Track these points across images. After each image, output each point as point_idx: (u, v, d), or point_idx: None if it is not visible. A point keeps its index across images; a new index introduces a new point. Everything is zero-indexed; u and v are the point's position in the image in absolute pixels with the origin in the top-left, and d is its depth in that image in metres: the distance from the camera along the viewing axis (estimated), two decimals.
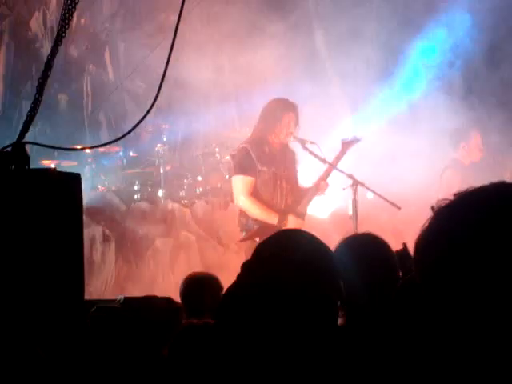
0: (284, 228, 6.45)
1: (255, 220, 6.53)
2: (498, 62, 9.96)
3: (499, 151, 8.81)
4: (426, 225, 1.47)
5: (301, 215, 6.62)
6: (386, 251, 3.19)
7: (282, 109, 6.62)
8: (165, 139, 10.20)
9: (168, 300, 4.96)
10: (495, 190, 1.45)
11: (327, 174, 6.68)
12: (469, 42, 9.96)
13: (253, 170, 6.52)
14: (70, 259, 2.97)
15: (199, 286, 4.79)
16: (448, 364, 1.43)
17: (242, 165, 6.55)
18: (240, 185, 6.55)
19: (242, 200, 6.54)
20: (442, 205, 1.47)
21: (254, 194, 6.52)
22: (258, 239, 6.49)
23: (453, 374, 1.42)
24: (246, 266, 2.39)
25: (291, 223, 6.52)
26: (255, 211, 6.51)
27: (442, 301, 1.41)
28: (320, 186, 6.67)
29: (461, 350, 1.40)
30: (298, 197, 6.71)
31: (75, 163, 9.29)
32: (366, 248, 3.16)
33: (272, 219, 6.49)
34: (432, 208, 1.48)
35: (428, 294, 1.44)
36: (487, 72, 10.08)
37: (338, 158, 6.68)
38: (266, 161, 6.55)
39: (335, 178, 6.85)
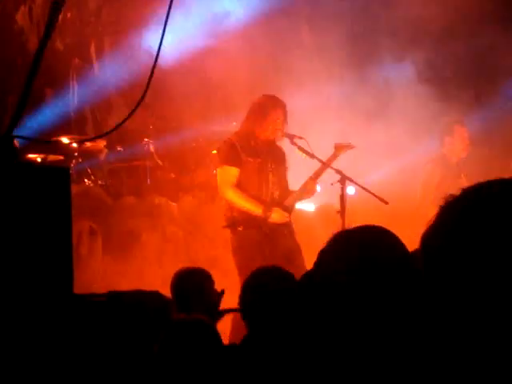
0: (270, 220, 6.49)
1: (240, 213, 6.55)
2: None
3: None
4: (433, 220, 1.47)
5: (287, 209, 6.63)
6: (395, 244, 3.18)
7: (271, 105, 6.64)
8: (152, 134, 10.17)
9: (156, 294, 4.94)
10: (499, 185, 1.45)
11: (317, 174, 6.69)
12: None
13: (237, 161, 6.55)
14: (59, 253, 2.95)
15: (191, 280, 4.78)
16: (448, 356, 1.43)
17: (227, 156, 6.59)
18: (225, 175, 6.59)
19: (227, 191, 6.57)
20: (450, 200, 1.47)
21: (239, 185, 6.54)
22: (241, 228, 6.53)
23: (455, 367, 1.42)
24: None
25: (276, 215, 6.54)
26: (239, 201, 6.53)
27: (447, 295, 1.41)
28: (308, 187, 6.68)
29: (462, 342, 1.40)
30: (285, 191, 6.72)
31: (61, 157, 9.25)
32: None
33: (257, 210, 6.51)
34: (440, 204, 1.49)
35: (433, 289, 1.43)
36: None
37: (330, 161, 6.70)
38: (252, 153, 6.59)
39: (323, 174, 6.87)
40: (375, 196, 6.64)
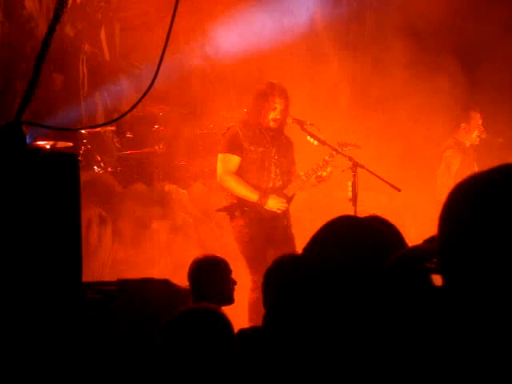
0: (266, 207, 6.49)
1: (239, 199, 6.56)
2: None
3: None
4: (447, 203, 1.46)
5: (284, 197, 6.60)
6: (393, 233, 3.14)
7: (270, 93, 6.60)
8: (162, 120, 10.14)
9: (166, 282, 4.91)
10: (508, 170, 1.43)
11: (325, 163, 6.63)
12: None
13: (239, 149, 6.54)
14: (68, 241, 2.93)
15: (210, 268, 4.74)
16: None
17: (230, 143, 6.59)
18: (225, 163, 6.60)
19: (225, 178, 6.58)
20: (465, 183, 1.45)
21: (240, 173, 6.54)
22: (237, 213, 6.54)
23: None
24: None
25: (272, 202, 6.53)
26: (236, 188, 6.55)
27: (464, 285, 1.38)
28: (311, 179, 6.64)
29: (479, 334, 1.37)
30: (287, 182, 6.69)
31: (71, 144, 9.22)
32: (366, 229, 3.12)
33: (252, 196, 6.51)
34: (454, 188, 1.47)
35: (448, 272, 1.41)
36: None
37: (331, 156, 6.66)
38: (255, 141, 6.57)
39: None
40: (387, 183, 6.58)
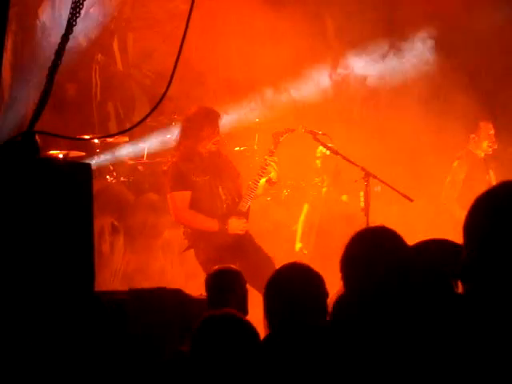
0: (230, 232, 6.47)
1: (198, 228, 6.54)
2: None
3: None
4: (470, 210, 1.50)
5: (242, 214, 6.59)
6: (399, 244, 3.14)
7: (205, 120, 6.54)
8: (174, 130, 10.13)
9: (178, 292, 4.91)
10: None
11: (263, 169, 6.60)
12: None
13: (186, 184, 6.51)
14: (81, 250, 2.93)
15: (229, 280, 4.73)
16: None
17: (175, 180, 6.54)
18: (176, 202, 6.57)
19: (180, 216, 6.61)
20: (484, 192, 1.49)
21: (193, 205, 6.51)
22: (202, 246, 6.53)
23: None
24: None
25: (233, 225, 6.53)
26: (195, 224, 6.56)
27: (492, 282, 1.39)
28: (255, 185, 6.62)
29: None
30: (238, 198, 6.67)
31: (83, 153, 9.24)
32: (378, 241, 3.12)
33: (212, 226, 6.50)
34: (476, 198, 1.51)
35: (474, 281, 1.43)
36: None
37: (271, 152, 6.63)
38: (199, 171, 6.53)
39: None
40: (399, 193, 6.57)
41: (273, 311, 3.43)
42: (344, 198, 6.53)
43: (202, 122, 6.54)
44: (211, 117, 6.57)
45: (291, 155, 7.97)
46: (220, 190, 6.61)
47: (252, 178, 6.65)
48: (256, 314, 4.43)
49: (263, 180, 6.61)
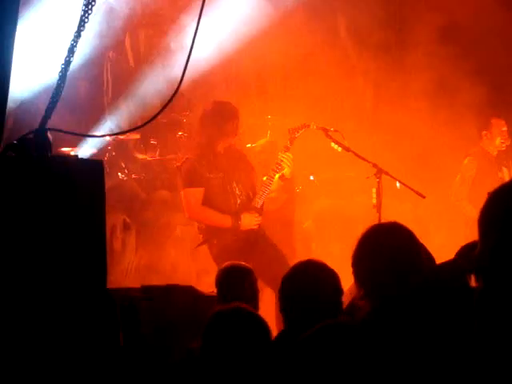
0: (243, 228, 6.47)
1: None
2: None
3: None
4: (486, 204, 1.50)
5: (255, 210, 6.58)
6: (411, 240, 3.14)
7: (226, 117, 6.53)
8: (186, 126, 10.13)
9: (190, 288, 4.91)
10: None
11: (278, 165, 6.59)
12: None
13: (200, 180, 6.50)
14: (93, 247, 2.93)
15: (240, 276, 4.74)
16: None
17: (189, 177, 6.52)
18: (189, 198, 6.55)
19: (193, 213, 6.59)
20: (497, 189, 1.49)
21: (206, 202, 6.50)
22: (215, 241, 6.52)
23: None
24: None
25: (246, 221, 6.51)
26: (208, 220, 6.56)
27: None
28: (271, 182, 6.60)
29: None
30: (253, 194, 6.66)
31: (95, 150, 9.25)
32: (390, 236, 3.12)
33: (226, 223, 6.48)
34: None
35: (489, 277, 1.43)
36: None
37: (286, 148, 6.61)
38: (213, 168, 6.52)
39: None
40: (412, 190, 6.55)
41: (288, 308, 3.45)
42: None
43: (223, 120, 6.53)
44: (232, 116, 6.57)
45: (305, 151, 7.95)
46: (234, 185, 6.61)
47: (267, 173, 6.64)
48: (268, 312, 4.42)
49: (277, 176, 6.61)
